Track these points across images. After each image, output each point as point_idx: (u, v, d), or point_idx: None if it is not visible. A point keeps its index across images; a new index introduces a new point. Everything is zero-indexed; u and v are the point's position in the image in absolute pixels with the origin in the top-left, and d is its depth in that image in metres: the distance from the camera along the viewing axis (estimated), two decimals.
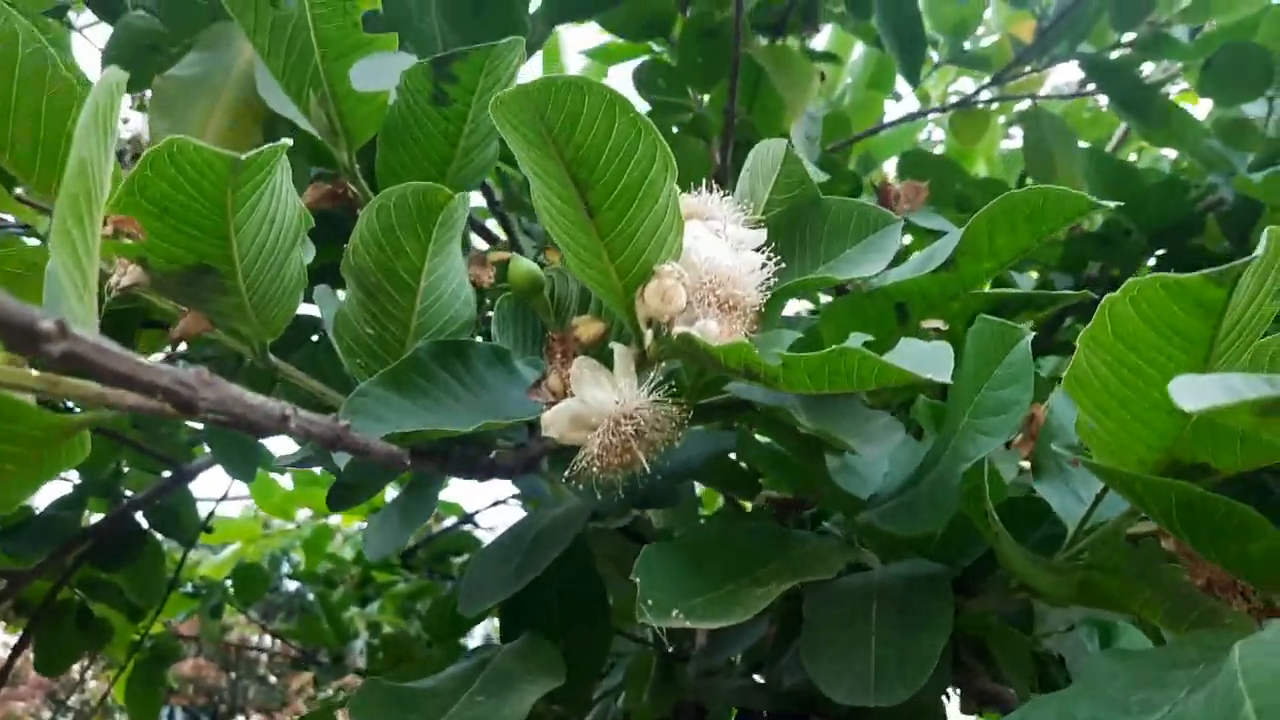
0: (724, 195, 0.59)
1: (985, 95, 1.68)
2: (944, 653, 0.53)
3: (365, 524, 2.45)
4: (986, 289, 0.64)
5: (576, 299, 0.63)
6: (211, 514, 1.75)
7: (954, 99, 2.13)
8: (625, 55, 1.55)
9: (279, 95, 0.68)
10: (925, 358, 0.46)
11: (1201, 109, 1.70)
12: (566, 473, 0.51)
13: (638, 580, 0.50)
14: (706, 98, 1.14)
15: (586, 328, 0.54)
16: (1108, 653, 0.42)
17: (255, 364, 0.53)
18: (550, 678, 0.57)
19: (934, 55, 1.66)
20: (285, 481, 2.15)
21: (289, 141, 0.43)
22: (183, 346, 0.78)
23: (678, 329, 0.51)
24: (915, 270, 0.60)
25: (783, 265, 0.56)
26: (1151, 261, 1.41)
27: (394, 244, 0.53)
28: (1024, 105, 1.98)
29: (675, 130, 1.15)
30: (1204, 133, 1.45)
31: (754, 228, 0.59)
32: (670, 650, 0.87)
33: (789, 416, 0.55)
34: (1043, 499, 0.59)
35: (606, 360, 0.54)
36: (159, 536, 1.58)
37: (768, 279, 0.55)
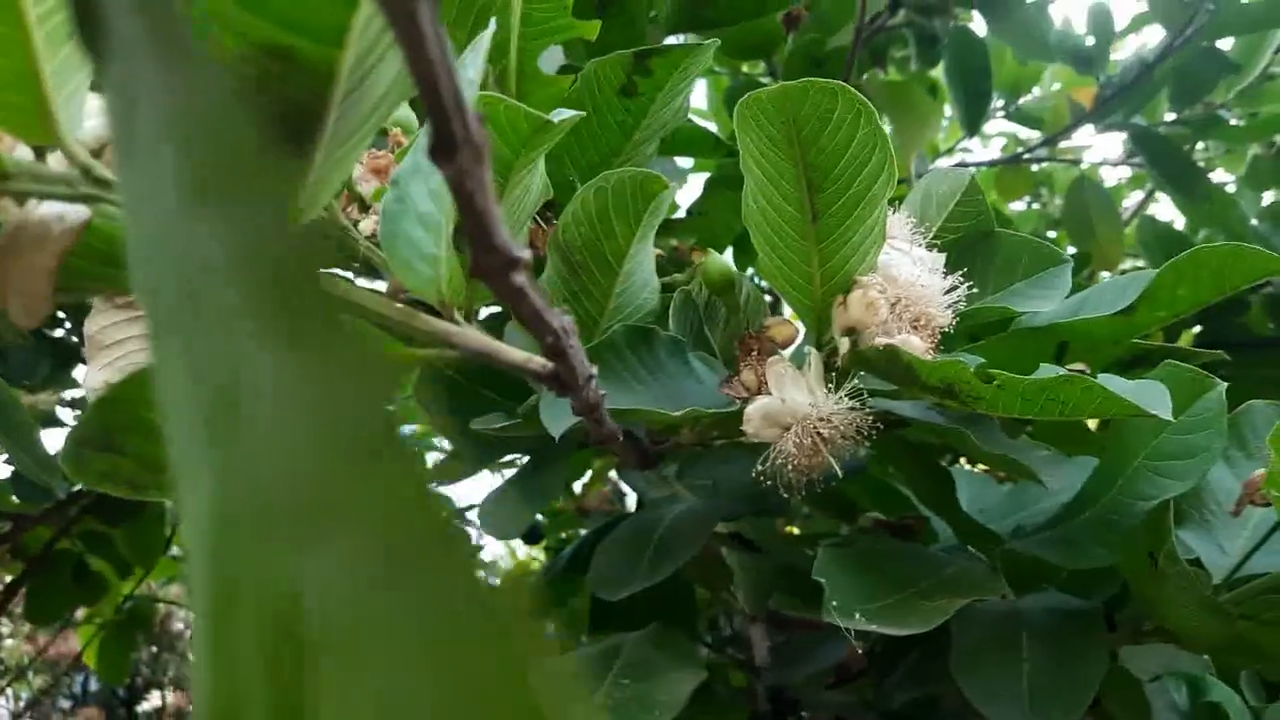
0: (908, 217, 0.60)
1: (1036, 154, 1.71)
2: None
3: None
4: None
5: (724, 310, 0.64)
6: None
7: (961, 158, 2.18)
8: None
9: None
10: (1144, 394, 0.47)
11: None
12: (760, 466, 0.52)
13: (823, 580, 0.50)
14: None
15: (780, 329, 0.55)
16: None
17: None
18: (694, 669, 0.57)
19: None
20: None
21: (580, 112, 0.44)
22: None
23: (881, 340, 0.52)
24: (1075, 311, 0.61)
25: (974, 290, 0.57)
26: (1195, 330, 1.44)
27: (606, 225, 0.53)
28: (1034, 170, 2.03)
29: None
30: (1243, 215, 1.49)
31: (935, 251, 0.60)
32: (741, 660, 0.87)
33: (956, 438, 0.56)
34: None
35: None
36: None
37: (957, 302, 0.56)
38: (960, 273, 0.60)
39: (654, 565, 0.63)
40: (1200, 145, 1.79)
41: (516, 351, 0.34)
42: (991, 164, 1.76)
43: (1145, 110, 1.60)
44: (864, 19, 0.98)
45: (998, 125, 1.99)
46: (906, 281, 0.55)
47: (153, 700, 4.03)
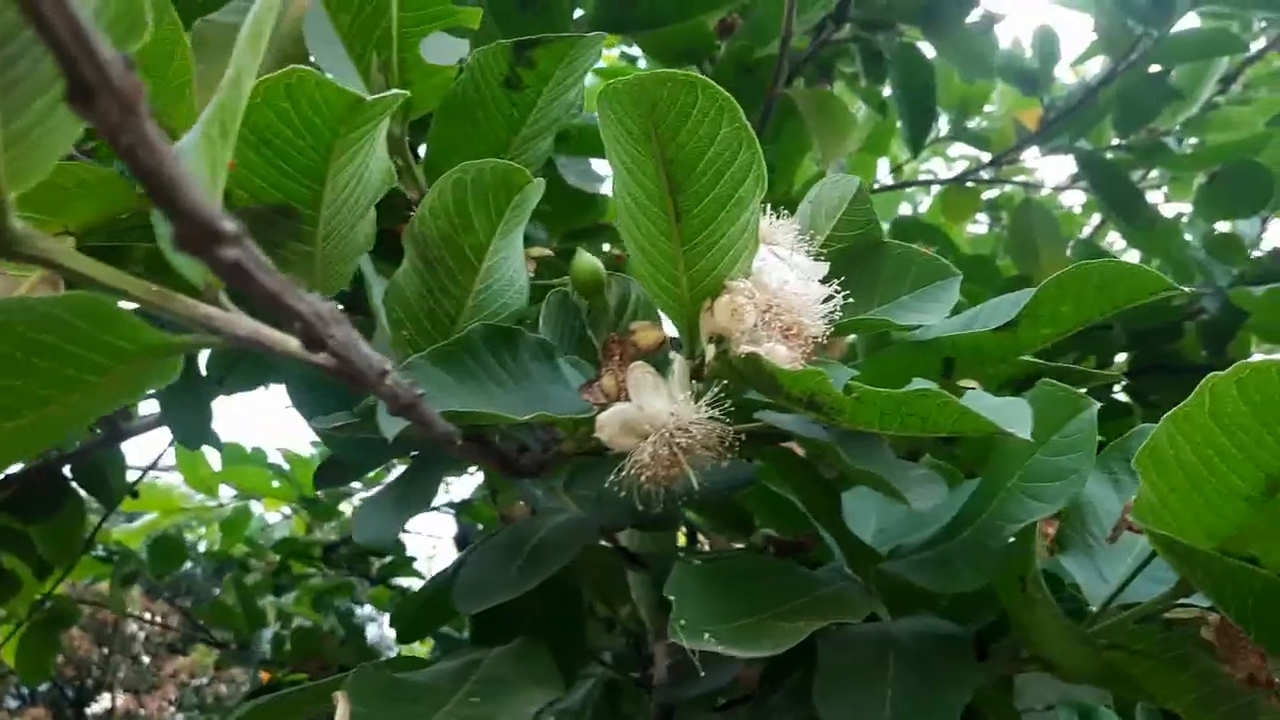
0: (791, 223, 0.58)
1: (982, 174, 1.70)
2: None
3: (289, 511, 2.39)
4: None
5: (615, 307, 0.62)
6: (141, 478, 1.69)
7: (924, 176, 2.17)
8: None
9: (335, 54, 0.66)
10: (1005, 411, 0.45)
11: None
12: (612, 478, 0.50)
13: (672, 598, 0.48)
14: None
15: (646, 334, 0.53)
16: None
17: None
18: (549, 688, 0.55)
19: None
20: (214, 457, 2.08)
21: (405, 92, 0.41)
22: None
23: (745, 348, 0.50)
24: (964, 326, 0.60)
25: (851, 300, 0.55)
26: (1122, 358, 1.44)
27: (464, 218, 0.51)
28: (991, 194, 2.03)
29: None
30: (1185, 243, 1.49)
31: (814, 259, 0.58)
32: (636, 676, 0.85)
33: (825, 455, 0.54)
34: (1050, 573, 0.59)
35: (658, 370, 0.52)
36: (82, 494, 1.52)
37: (833, 312, 0.54)
38: (839, 282, 0.58)
39: (521, 578, 0.60)
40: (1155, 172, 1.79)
41: (290, 340, 0.31)
42: (938, 182, 1.75)
43: (1091, 135, 1.60)
44: (789, 28, 0.96)
45: (961, 149, 1.99)
46: (779, 289, 0.52)
47: (103, 702, 3.96)
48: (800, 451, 0.65)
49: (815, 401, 0.49)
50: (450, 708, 0.52)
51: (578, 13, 1.04)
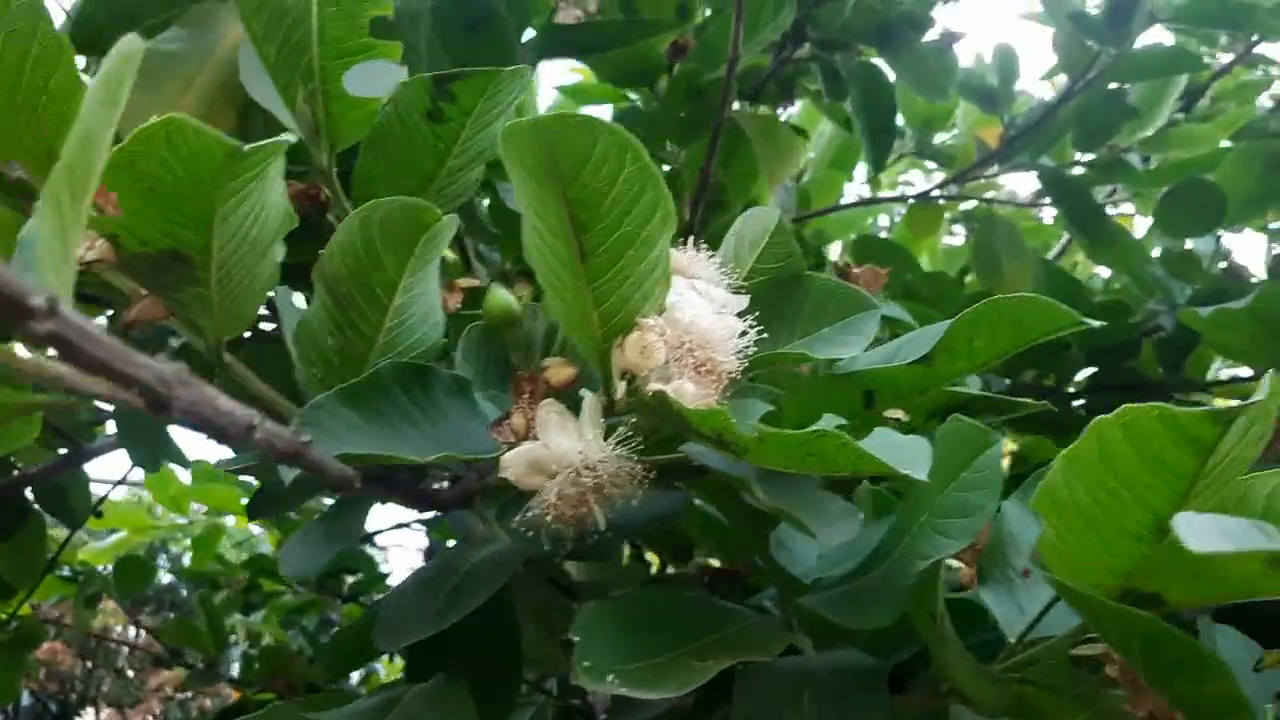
0: (711, 256, 0.58)
1: (946, 191, 1.71)
2: None
3: (259, 528, 2.38)
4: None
5: (542, 339, 0.62)
6: (104, 498, 1.68)
7: (902, 190, 2.18)
8: (599, 98, 1.54)
9: (265, 85, 0.66)
10: (903, 452, 0.45)
11: (1138, 231, 1.76)
12: (518, 518, 0.50)
13: (576, 638, 0.48)
14: (683, 154, 1.13)
15: (558, 371, 0.53)
16: None
17: (206, 358, 0.50)
18: None
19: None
20: (183, 474, 2.08)
21: (291, 138, 0.41)
22: None
23: (653, 386, 0.50)
24: (886, 359, 0.60)
25: (764, 335, 0.55)
26: (1085, 373, 1.44)
27: (373, 256, 0.51)
28: (969, 205, 2.04)
29: None
30: (1146, 259, 1.50)
31: (736, 293, 0.58)
32: (577, 705, 0.84)
33: (744, 488, 0.54)
34: (979, 605, 0.59)
35: (572, 407, 0.52)
36: (44, 515, 1.51)
37: (746, 348, 0.54)
38: (760, 315, 0.58)
39: (444, 613, 0.60)
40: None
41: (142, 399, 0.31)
42: (902, 199, 1.75)
43: (1054, 152, 1.60)
44: (736, 52, 0.96)
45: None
46: (691, 324, 0.52)
47: (86, 717, 3.93)
48: None
49: (722, 440, 0.49)
50: None
51: (530, 33, 1.04)
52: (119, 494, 2.21)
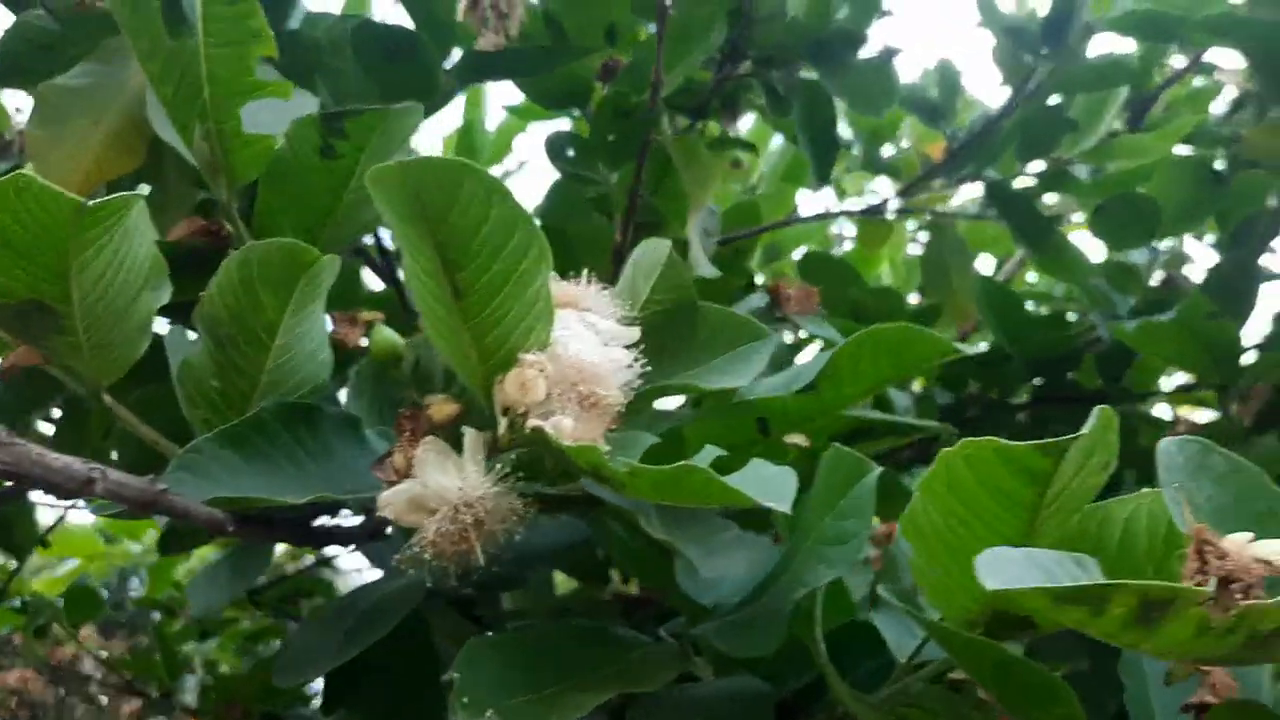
0: (602, 288, 0.58)
1: (894, 204, 1.72)
2: None
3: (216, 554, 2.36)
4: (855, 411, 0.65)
5: (442, 374, 0.62)
6: (52, 528, 1.67)
7: (872, 200, 2.19)
8: (546, 115, 1.55)
9: (165, 123, 0.66)
10: (767, 485, 0.46)
11: (1095, 243, 1.77)
12: (397, 556, 0.50)
13: (455, 675, 0.48)
14: (614, 176, 1.14)
15: (440, 408, 0.53)
16: None
17: (88, 404, 0.51)
18: None
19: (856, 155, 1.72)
20: None
21: (145, 190, 0.42)
22: None
23: (532, 422, 0.50)
24: (781, 387, 0.60)
25: (649, 368, 0.55)
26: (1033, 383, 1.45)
27: (252, 298, 0.51)
28: (946, 216, 2.05)
29: (584, 201, 1.16)
30: (1091, 271, 1.51)
31: (629, 324, 0.59)
32: None
33: (637, 519, 0.55)
34: (877, 632, 0.60)
35: (458, 444, 0.53)
36: None
37: (632, 380, 0.55)
38: (653, 346, 0.59)
39: (344, 648, 0.60)
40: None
41: None
42: (848, 214, 1.77)
43: (1000, 164, 1.62)
44: (659, 75, 0.97)
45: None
46: (576, 359, 0.53)
47: None
48: None
49: (600, 475, 0.50)
50: None
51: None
52: (77, 520, 2.20)
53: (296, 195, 0.64)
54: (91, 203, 0.39)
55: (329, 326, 0.65)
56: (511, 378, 0.51)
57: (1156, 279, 1.51)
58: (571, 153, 1.13)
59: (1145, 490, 0.47)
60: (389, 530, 0.64)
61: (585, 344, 0.54)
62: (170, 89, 0.64)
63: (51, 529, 1.63)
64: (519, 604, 0.87)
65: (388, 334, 0.54)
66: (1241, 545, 0.34)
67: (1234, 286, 1.14)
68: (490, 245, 0.48)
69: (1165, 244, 1.54)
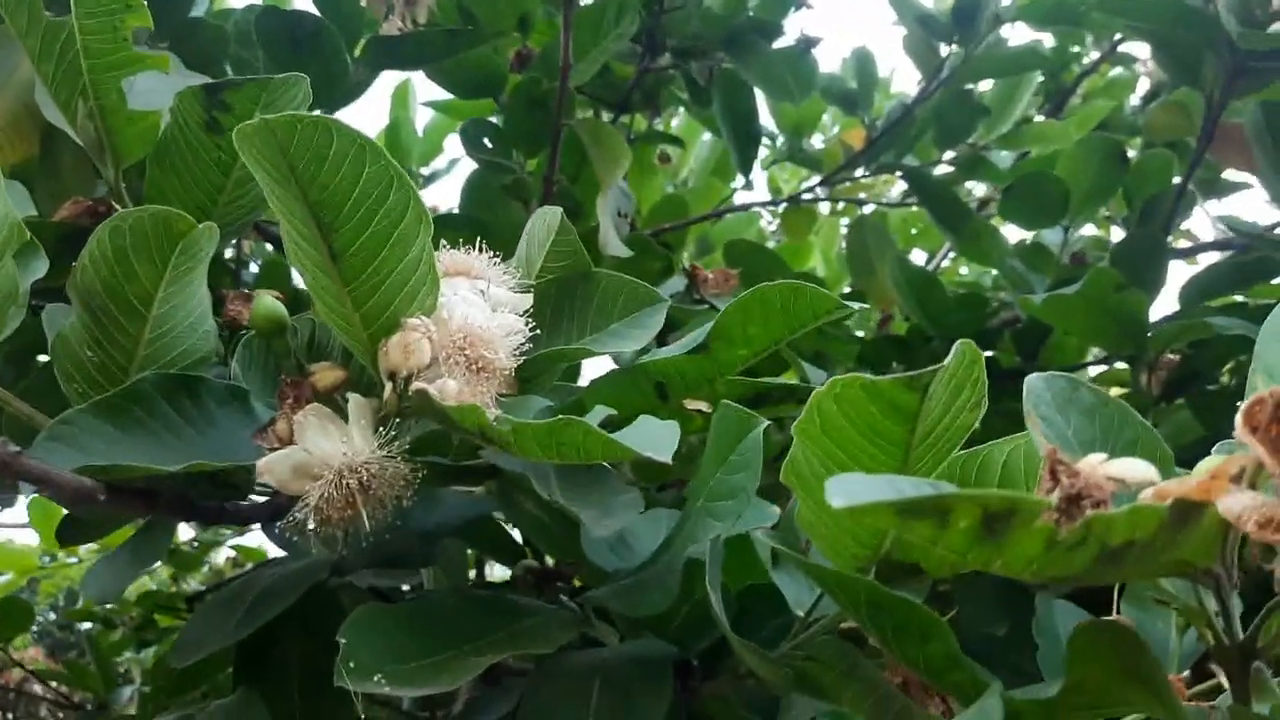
0: (494, 257, 0.58)
1: (817, 193, 1.74)
2: None
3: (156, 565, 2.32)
4: (756, 378, 0.65)
5: (340, 348, 0.61)
6: None
7: (806, 195, 2.21)
8: (472, 112, 1.55)
9: (49, 103, 0.65)
10: (649, 437, 0.46)
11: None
12: (280, 524, 0.49)
13: (342, 640, 0.48)
14: (532, 162, 1.14)
15: (325, 375, 0.53)
16: None
17: None
18: None
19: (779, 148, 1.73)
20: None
21: None
22: None
23: (416, 385, 0.50)
24: (675, 351, 0.60)
25: (539, 332, 0.55)
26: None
27: (126, 267, 0.50)
28: (869, 209, 2.07)
29: (500, 188, 1.15)
30: (1009, 253, 1.53)
31: (523, 292, 0.58)
32: (425, 716, 0.84)
33: (532, 485, 0.55)
34: (778, 591, 0.60)
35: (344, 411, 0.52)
36: None
37: (523, 344, 0.54)
38: (553, 312, 0.59)
39: (240, 627, 0.59)
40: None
41: None
42: (774, 203, 1.78)
43: (918, 150, 1.64)
44: (567, 60, 0.97)
45: None
46: (463, 324, 0.53)
47: None
48: None
49: (486, 435, 0.49)
50: None
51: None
52: (22, 536, 2.15)
53: (184, 172, 0.63)
54: None
55: (223, 305, 0.64)
56: (395, 342, 0.51)
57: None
58: (487, 142, 1.13)
59: (1021, 433, 0.47)
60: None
61: (473, 309, 0.54)
62: (50, 66, 0.63)
63: None
64: (440, 584, 0.86)
65: (270, 303, 0.53)
66: (1094, 464, 0.34)
67: (1142, 260, 1.16)
68: (365, 205, 0.48)
69: (1084, 230, 1.58)
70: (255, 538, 2.18)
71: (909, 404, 0.39)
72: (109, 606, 2.13)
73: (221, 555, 2.30)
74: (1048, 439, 0.39)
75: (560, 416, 0.45)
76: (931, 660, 0.42)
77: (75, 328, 0.51)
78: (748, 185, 1.88)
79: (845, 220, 2.22)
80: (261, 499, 0.65)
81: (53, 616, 2.79)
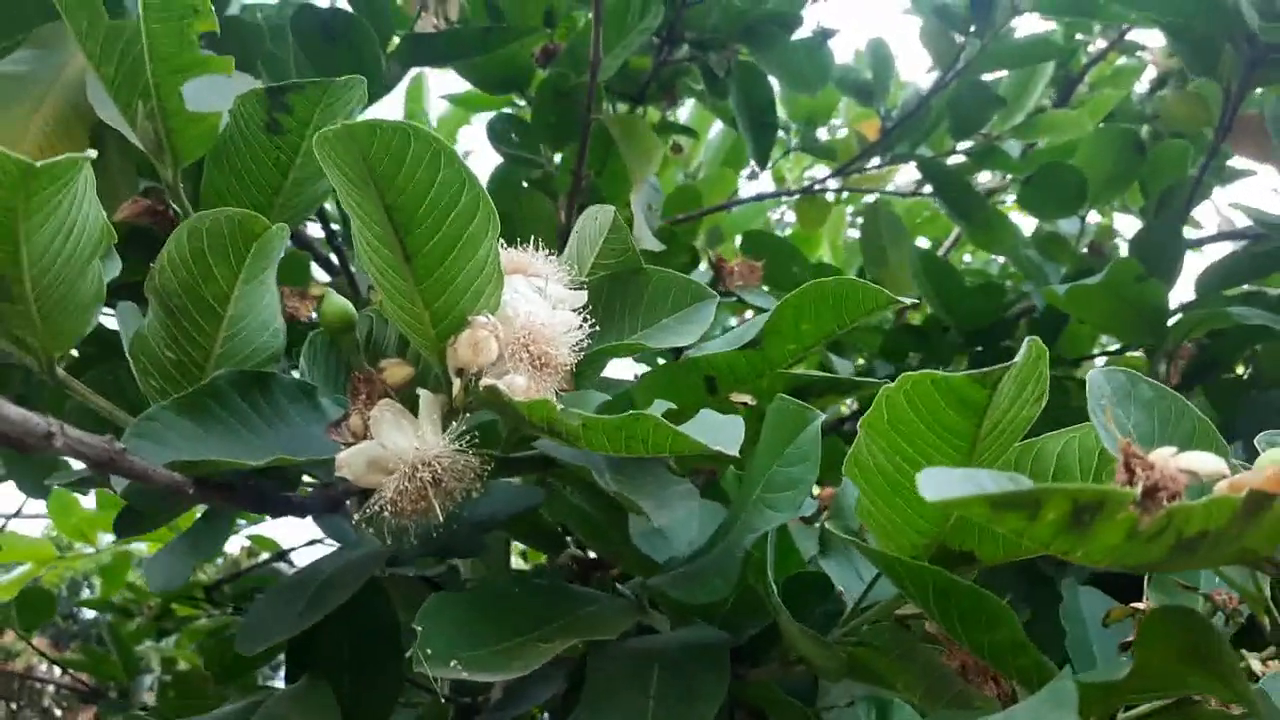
0: (549, 254, 0.60)
1: (832, 185, 1.75)
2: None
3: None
4: (798, 369, 0.66)
5: (395, 344, 0.63)
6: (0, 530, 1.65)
7: (809, 185, 2.23)
8: (488, 105, 1.56)
9: (107, 104, 0.66)
10: (717, 430, 0.47)
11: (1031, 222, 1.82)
12: (357, 516, 0.51)
13: (418, 628, 0.49)
14: (559, 156, 1.15)
15: (394, 371, 0.54)
16: None
17: (42, 378, 0.51)
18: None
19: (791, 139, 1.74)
20: (87, 502, 2.05)
21: (93, 153, 0.42)
22: None
23: (485, 381, 0.52)
24: (726, 345, 0.62)
25: (597, 328, 0.57)
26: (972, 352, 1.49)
27: (203, 268, 0.52)
28: (872, 198, 2.08)
29: (525, 185, 1.17)
30: (1023, 242, 1.55)
31: (576, 289, 0.60)
32: (466, 702, 0.86)
33: (592, 476, 0.56)
34: (827, 578, 0.61)
35: (414, 407, 0.54)
36: None
37: (582, 340, 0.56)
38: (602, 309, 0.60)
39: (304, 616, 0.61)
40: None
41: None
42: (789, 194, 1.79)
43: (932, 142, 1.65)
44: (597, 55, 0.98)
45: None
46: (527, 321, 0.54)
47: None
48: None
49: (554, 429, 0.51)
50: None
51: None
52: (24, 528, 2.17)
53: (243, 173, 0.64)
54: (40, 163, 0.39)
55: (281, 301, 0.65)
56: (464, 339, 0.52)
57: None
58: (514, 136, 1.14)
59: (1076, 425, 0.49)
60: (347, 503, 0.65)
61: (535, 306, 0.56)
62: (111, 68, 0.64)
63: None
64: (478, 574, 0.88)
65: (339, 300, 0.55)
66: (1166, 457, 0.36)
67: (1160, 250, 1.17)
68: (439, 207, 0.49)
69: (1092, 219, 1.60)
70: (268, 528, 2.20)
71: (978, 399, 0.41)
72: (126, 596, 2.15)
73: (236, 545, 2.31)
74: (1116, 433, 0.41)
75: (630, 412, 0.46)
76: (997, 646, 0.44)
77: (153, 327, 0.52)
78: (753, 175, 1.90)
79: (849, 209, 2.24)
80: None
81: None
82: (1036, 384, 0.43)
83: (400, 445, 0.51)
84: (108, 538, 2.18)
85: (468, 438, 0.52)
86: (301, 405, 0.55)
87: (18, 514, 1.73)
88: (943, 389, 0.41)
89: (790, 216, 2.28)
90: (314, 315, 0.66)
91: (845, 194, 2.03)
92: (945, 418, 0.42)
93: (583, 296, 0.59)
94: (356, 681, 0.70)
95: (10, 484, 1.28)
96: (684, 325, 0.61)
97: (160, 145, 0.65)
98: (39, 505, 1.89)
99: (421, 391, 0.53)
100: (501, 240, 0.60)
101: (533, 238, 0.60)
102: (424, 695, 0.88)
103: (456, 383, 0.53)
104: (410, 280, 0.51)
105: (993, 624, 0.43)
